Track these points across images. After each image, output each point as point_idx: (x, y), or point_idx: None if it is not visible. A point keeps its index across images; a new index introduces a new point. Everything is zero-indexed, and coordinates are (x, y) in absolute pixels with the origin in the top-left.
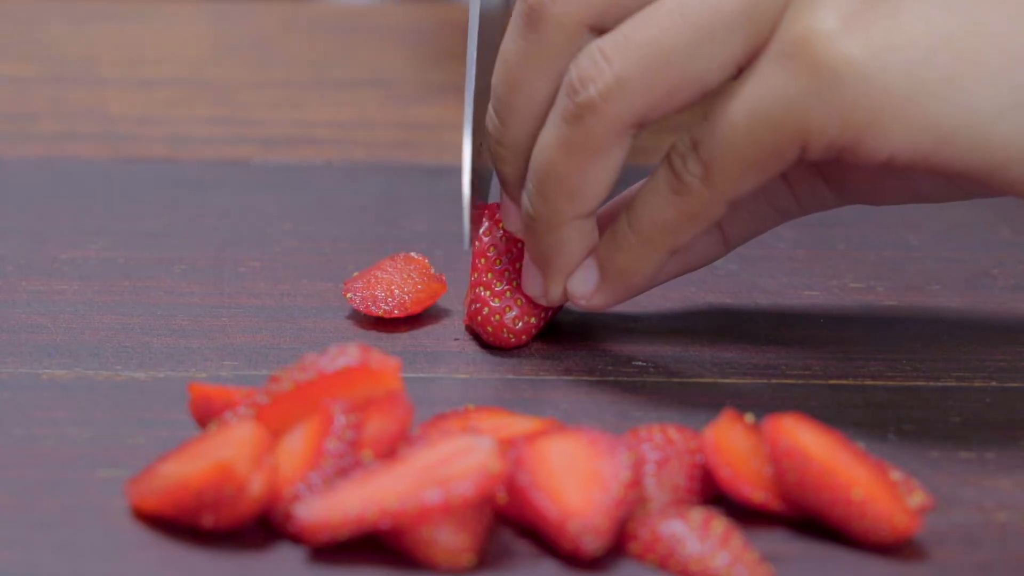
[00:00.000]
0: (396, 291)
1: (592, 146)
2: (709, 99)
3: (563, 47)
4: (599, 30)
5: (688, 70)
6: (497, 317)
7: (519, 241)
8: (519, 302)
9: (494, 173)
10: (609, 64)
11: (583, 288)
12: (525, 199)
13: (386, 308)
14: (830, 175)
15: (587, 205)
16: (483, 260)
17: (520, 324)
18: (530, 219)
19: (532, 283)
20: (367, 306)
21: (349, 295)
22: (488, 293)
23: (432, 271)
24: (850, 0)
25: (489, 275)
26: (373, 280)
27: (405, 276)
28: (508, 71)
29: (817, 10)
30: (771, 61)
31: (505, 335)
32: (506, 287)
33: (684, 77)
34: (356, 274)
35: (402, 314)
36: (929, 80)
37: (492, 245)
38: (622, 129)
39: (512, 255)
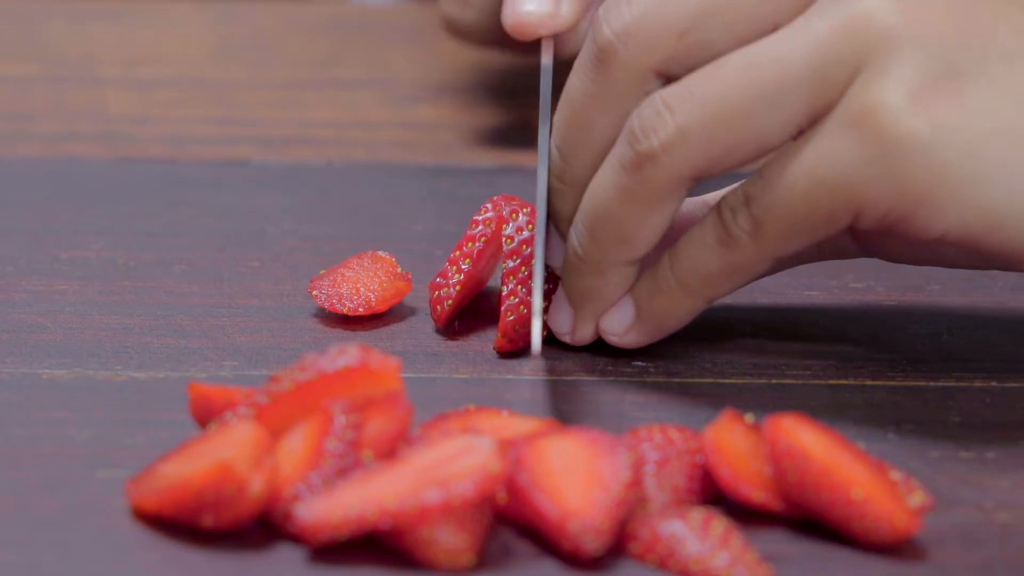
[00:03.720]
0: (362, 289)
1: (648, 196)
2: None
3: (629, 90)
4: (666, 76)
5: (750, 128)
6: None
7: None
8: (521, 309)
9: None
10: (672, 116)
11: (617, 326)
12: (573, 238)
13: (351, 306)
14: (859, 232)
15: (636, 252)
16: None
17: (519, 328)
18: (576, 258)
19: (561, 320)
20: (332, 304)
21: (315, 292)
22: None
23: (399, 270)
24: (918, 77)
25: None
26: (339, 278)
27: (371, 275)
28: (572, 110)
29: (886, 83)
30: (835, 127)
31: (500, 338)
32: (508, 291)
33: (746, 134)
34: (323, 272)
35: (367, 312)
36: (986, 163)
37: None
38: (680, 182)
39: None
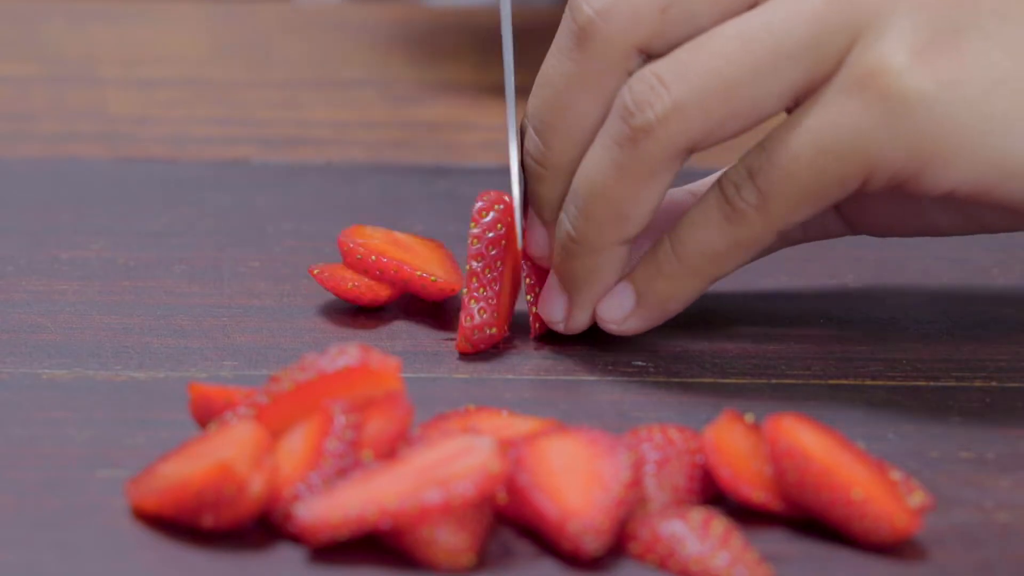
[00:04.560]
0: (363, 277)
1: (644, 170)
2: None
3: (612, 69)
4: (647, 53)
5: (747, 98)
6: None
7: (499, 256)
8: (481, 315)
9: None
10: (667, 89)
11: (617, 313)
12: (565, 221)
13: (354, 285)
14: (845, 207)
15: (631, 229)
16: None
17: (478, 334)
18: (571, 241)
19: (554, 308)
20: (334, 284)
21: (316, 271)
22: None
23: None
24: (917, 36)
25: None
26: (338, 268)
27: None
28: (554, 92)
29: (888, 44)
30: (838, 92)
31: (475, 338)
32: (469, 296)
33: (742, 105)
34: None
35: (369, 300)
36: (991, 115)
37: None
38: (675, 154)
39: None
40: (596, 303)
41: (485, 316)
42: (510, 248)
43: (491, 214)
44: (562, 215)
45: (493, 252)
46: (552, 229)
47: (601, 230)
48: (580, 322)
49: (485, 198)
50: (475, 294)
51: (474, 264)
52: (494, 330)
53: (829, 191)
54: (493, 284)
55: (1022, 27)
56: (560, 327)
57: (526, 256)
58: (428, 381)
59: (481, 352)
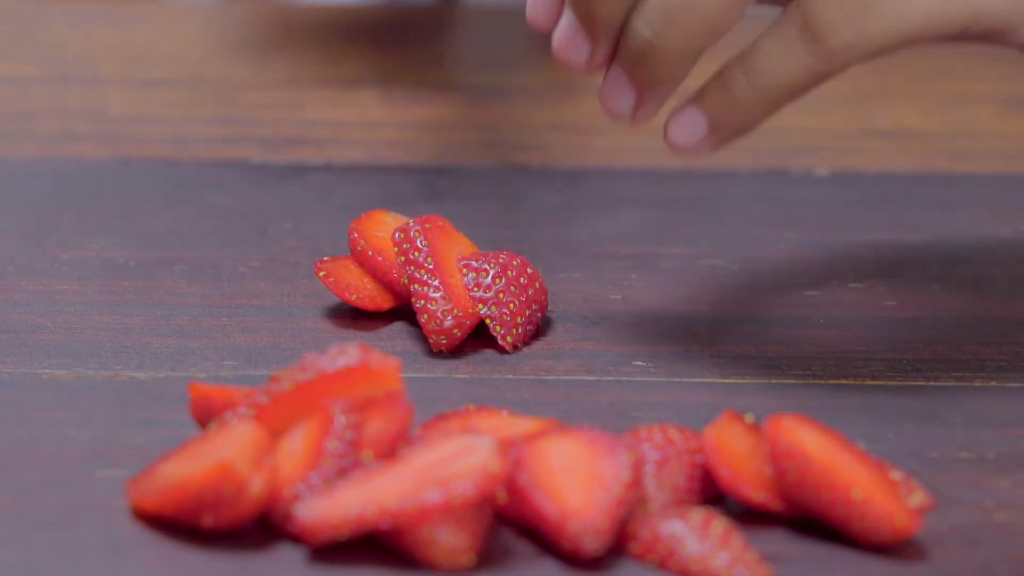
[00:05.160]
0: (368, 284)
1: None
2: None
3: None
4: None
5: None
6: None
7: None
8: (431, 307)
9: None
10: None
11: (690, 139)
12: (645, 29)
13: (358, 296)
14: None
15: (715, 38)
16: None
17: (458, 330)
18: (651, 48)
19: (622, 101)
20: (339, 289)
21: (322, 273)
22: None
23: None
24: None
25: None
26: (344, 268)
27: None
28: None
29: None
30: None
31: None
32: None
33: None
34: (328, 259)
35: (372, 308)
36: None
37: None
38: None
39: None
40: (667, 97)
41: (439, 304)
42: (441, 239)
43: (410, 227)
44: (638, 21)
45: (417, 256)
46: (598, 45)
47: (686, 38)
48: (649, 116)
49: (398, 234)
50: (421, 296)
51: (407, 278)
52: (457, 312)
53: (924, 36)
54: (432, 279)
55: None
56: (626, 119)
57: None
58: (428, 381)
59: (466, 343)
